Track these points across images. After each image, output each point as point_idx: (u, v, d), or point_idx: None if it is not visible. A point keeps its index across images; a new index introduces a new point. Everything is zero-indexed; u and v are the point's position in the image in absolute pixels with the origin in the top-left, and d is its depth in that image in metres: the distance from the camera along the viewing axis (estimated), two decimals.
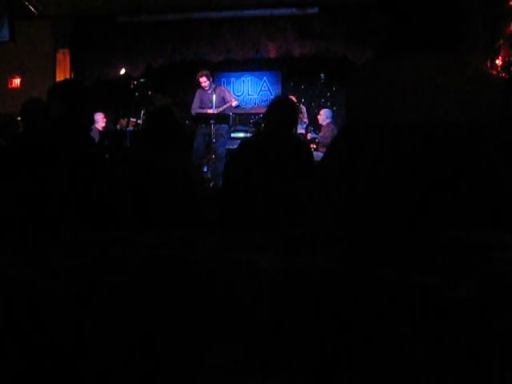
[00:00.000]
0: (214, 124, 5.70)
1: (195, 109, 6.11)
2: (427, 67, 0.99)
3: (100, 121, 6.39)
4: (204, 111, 5.96)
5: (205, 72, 5.96)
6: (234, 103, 6.14)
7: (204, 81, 5.96)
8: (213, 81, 6.19)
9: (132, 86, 6.11)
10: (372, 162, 0.98)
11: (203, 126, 5.83)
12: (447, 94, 0.95)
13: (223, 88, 6.46)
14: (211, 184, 5.38)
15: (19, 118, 3.49)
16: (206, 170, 6.17)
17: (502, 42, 4.56)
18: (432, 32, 1.01)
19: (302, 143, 2.96)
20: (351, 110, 1.10)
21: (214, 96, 5.87)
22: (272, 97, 7.36)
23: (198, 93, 6.13)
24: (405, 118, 0.97)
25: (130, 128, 5.84)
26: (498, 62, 4.55)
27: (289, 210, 2.02)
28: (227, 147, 5.84)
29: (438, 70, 0.99)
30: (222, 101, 6.04)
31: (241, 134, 6.47)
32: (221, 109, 5.97)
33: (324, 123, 6.39)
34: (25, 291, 0.58)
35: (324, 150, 5.66)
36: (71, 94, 2.17)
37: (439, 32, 1.01)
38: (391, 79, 1.01)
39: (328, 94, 8.03)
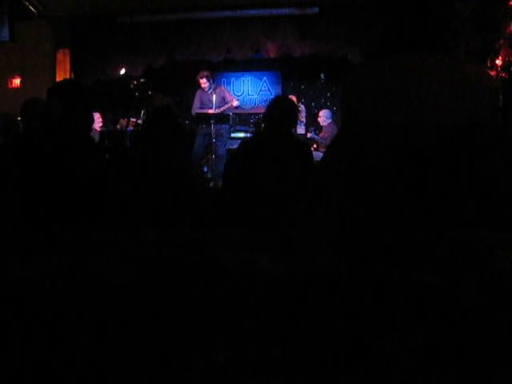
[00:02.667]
0: (215, 124, 5.70)
1: (195, 109, 6.12)
2: (422, 67, 1.00)
3: (96, 121, 6.39)
4: (204, 111, 5.96)
5: (205, 73, 5.97)
6: (235, 103, 6.15)
7: (204, 82, 5.97)
8: (213, 81, 6.19)
9: (132, 86, 6.11)
10: (372, 162, 0.98)
11: (204, 126, 5.84)
12: (442, 94, 0.96)
13: (223, 88, 6.46)
14: (211, 184, 5.38)
15: (19, 118, 3.49)
16: (206, 170, 6.17)
17: (502, 42, 4.56)
18: (425, 33, 1.02)
19: (302, 143, 2.96)
20: (347, 110, 1.10)
21: (214, 96, 5.87)
22: (272, 97, 7.36)
23: (198, 93, 6.14)
24: (401, 118, 0.97)
25: (130, 128, 5.84)
26: (498, 61, 4.55)
27: (289, 209, 2.02)
28: (227, 147, 5.84)
29: (432, 70, 0.99)
30: (223, 101, 6.05)
31: (241, 134, 6.48)
32: (222, 109, 5.98)
33: (325, 124, 6.39)
34: (25, 291, 0.58)
35: (324, 150, 5.66)
36: (71, 94, 2.17)
37: (432, 33, 1.02)
38: (387, 79, 1.01)
39: (328, 94, 8.02)
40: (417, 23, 1.02)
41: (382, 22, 1.06)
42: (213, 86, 6.04)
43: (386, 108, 0.99)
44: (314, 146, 6.11)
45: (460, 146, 0.94)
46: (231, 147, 5.71)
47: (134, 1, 6.22)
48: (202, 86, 6.01)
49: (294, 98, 6.01)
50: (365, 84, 1.05)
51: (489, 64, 4.62)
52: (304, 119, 6.63)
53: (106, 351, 0.44)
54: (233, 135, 6.36)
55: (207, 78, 5.97)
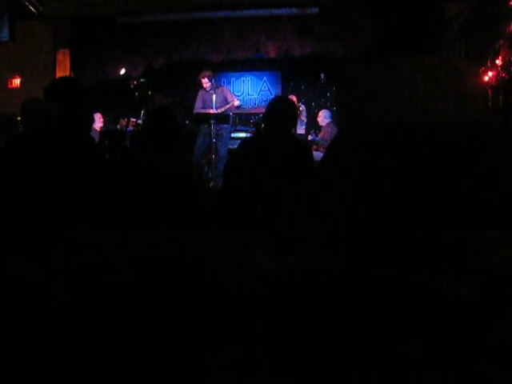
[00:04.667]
0: (215, 124, 5.70)
1: (197, 109, 6.12)
2: (414, 68, 1.00)
3: (97, 121, 6.40)
4: (206, 111, 5.96)
5: (207, 73, 5.96)
6: (237, 103, 6.13)
7: (205, 82, 5.96)
8: (215, 81, 6.20)
9: (132, 86, 6.11)
10: (371, 162, 0.98)
11: (205, 126, 5.83)
12: (435, 94, 0.96)
13: (225, 88, 6.44)
14: (211, 184, 5.38)
15: (19, 118, 3.49)
16: (206, 170, 6.17)
17: (502, 42, 4.55)
18: (417, 35, 1.03)
19: (302, 143, 2.96)
20: (343, 111, 1.11)
21: (214, 96, 5.87)
22: (272, 97, 7.36)
23: (201, 93, 6.13)
24: (395, 118, 0.98)
25: (130, 128, 5.84)
26: (498, 61, 4.54)
27: (289, 209, 2.02)
28: (228, 147, 5.83)
29: (424, 70, 1.00)
30: (224, 101, 6.04)
31: (241, 134, 6.48)
32: (223, 109, 5.97)
33: (323, 123, 6.39)
34: (25, 291, 0.58)
35: (324, 150, 5.66)
36: (67, 92, 2.17)
37: (424, 35, 1.04)
38: (380, 80, 1.01)
39: (328, 94, 8.02)
40: (409, 25, 1.03)
41: (375, 23, 1.07)
42: (214, 86, 6.04)
43: (380, 108, 0.99)
44: (314, 146, 6.11)
45: (458, 146, 0.94)
46: (232, 147, 5.71)
47: (134, 1, 6.22)
48: (204, 85, 6.00)
49: (294, 98, 6.00)
50: (359, 84, 1.05)
51: (489, 64, 4.62)
52: (305, 119, 6.63)
53: (106, 351, 0.44)
54: (233, 135, 6.35)
55: (209, 77, 5.97)
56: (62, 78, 2.54)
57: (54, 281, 0.60)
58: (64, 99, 2.13)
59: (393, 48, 1.04)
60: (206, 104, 6.05)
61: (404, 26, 1.03)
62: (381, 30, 1.06)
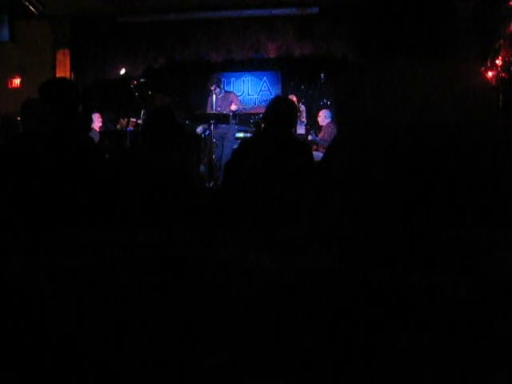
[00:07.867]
0: (215, 124, 5.68)
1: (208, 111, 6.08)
2: (416, 70, 1.00)
3: (96, 121, 6.40)
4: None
5: (214, 80, 5.93)
6: (233, 107, 6.02)
7: (214, 88, 5.94)
8: (223, 86, 6.13)
9: (132, 86, 6.10)
10: (371, 162, 0.98)
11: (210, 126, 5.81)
12: (437, 95, 0.96)
13: (232, 95, 6.35)
14: (211, 184, 5.38)
15: (19, 118, 3.50)
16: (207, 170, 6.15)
17: (501, 42, 4.55)
18: (421, 37, 1.04)
19: (302, 143, 2.96)
20: (345, 112, 1.11)
21: (214, 97, 5.85)
22: (272, 97, 7.35)
23: (210, 98, 6.09)
24: (396, 118, 0.98)
25: (130, 128, 5.84)
26: (498, 62, 4.54)
27: (289, 209, 2.02)
28: (232, 147, 5.81)
29: (427, 71, 1.00)
30: (229, 106, 6.01)
31: (241, 134, 6.47)
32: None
33: (324, 123, 6.38)
34: (25, 291, 0.58)
35: (324, 150, 5.66)
36: (61, 93, 2.17)
37: (427, 37, 1.04)
38: (382, 81, 1.02)
39: (328, 94, 8.02)
40: (413, 27, 1.04)
41: (380, 26, 1.07)
42: (223, 91, 6.02)
43: (380, 108, 1.00)
44: (314, 146, 6.11)
45: (459, 145, 0.94)
46: (233, 147, 5.70)
47: (134, 1, 6.22)
48: (213, 92, 5.93)
49: (294, 98, 5.99)
50: (359, 84, 1.06)
51: (489, 64, 4.62)
52: (305, 119, 6.62)
53: (105, 351, 0.44)
54: None
55: (217, 83, 5.93)
56: (55, 79, 2.55)
57: (54, 281, 0.60)
58: (57, 99, 2.13)
59: (393, 49, 1.04)
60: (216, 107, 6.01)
61: (406, 28, 1.04)
62: (382, 31, 1.06)
